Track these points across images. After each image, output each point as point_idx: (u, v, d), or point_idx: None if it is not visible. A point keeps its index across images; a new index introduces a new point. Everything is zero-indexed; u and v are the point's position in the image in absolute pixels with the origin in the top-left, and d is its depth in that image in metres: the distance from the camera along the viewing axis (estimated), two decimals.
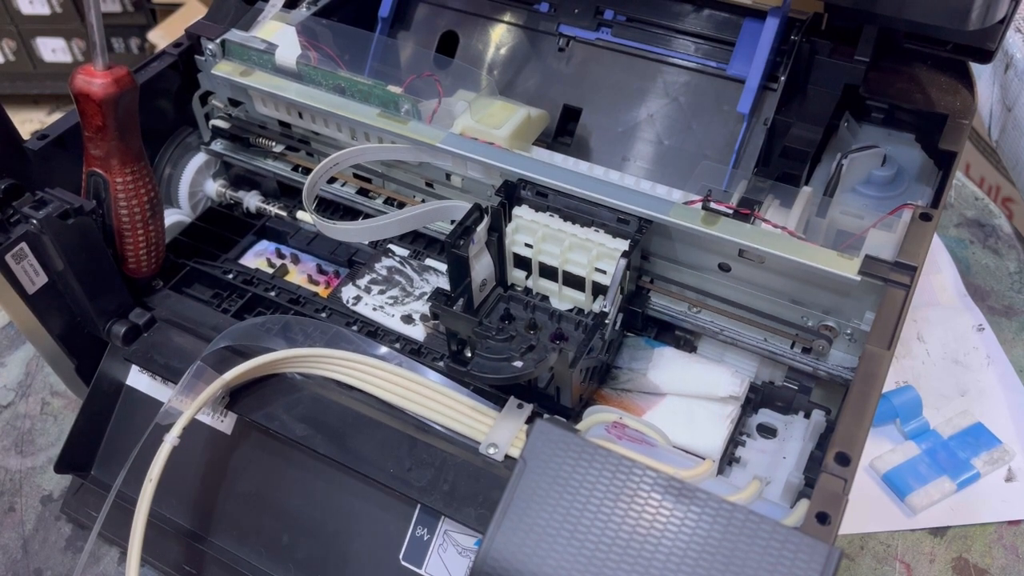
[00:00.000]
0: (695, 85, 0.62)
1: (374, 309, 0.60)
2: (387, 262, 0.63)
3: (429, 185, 0.62)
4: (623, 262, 0.50)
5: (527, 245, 0.54)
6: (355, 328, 0.57)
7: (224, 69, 0.62)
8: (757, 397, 0.56)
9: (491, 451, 0.47)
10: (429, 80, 0.59)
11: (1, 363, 0.71)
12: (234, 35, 0.63)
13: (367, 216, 0.65)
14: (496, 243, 0.53)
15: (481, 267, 0.53)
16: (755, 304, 0.54)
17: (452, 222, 0.54)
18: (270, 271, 0.65)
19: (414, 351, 0.56)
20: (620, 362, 0.57)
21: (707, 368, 0.55)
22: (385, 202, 0.65)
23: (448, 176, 0.60)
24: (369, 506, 0.50)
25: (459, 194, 0.60)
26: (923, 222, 0.50)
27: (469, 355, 0.50)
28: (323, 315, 0.59)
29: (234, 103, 0.67)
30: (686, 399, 0.54)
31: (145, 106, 0.62)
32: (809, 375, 0.54)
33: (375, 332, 0.57)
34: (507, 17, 0.67)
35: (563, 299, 0.55)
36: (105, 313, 0.55)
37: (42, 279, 0.52)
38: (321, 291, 0.63)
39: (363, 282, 0.62)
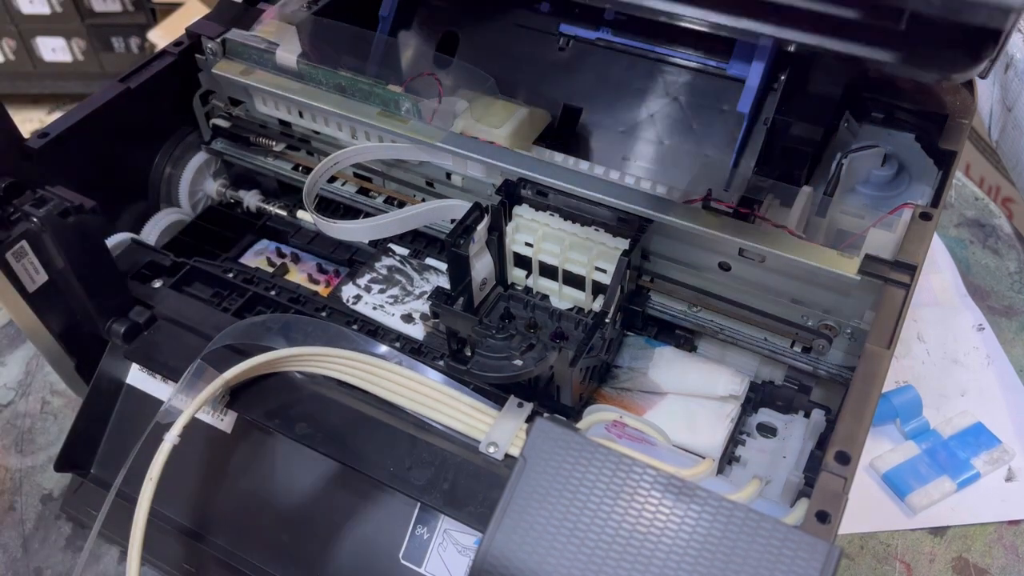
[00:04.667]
0: (695, 85, 0.62)
1: (374, 308, 0.60)
2: (387, 261, 0.63)
3: (429, 184, 0.62)
4: (623, 261, 0.50)
5: (527, 244, 0.54)
6: (355, 327, 0.57)
7: (225, 68, 0.63)
8: (757, 396, 0.56)
9: (491, 450, 0.47)
10: (429, 79, 0.59)
11: (1, 362, 0.72)
12: (235, 34, 0.63)
13: (367, 215, 0.65)
14: (496, 242, 0.53)
15: (481, 266, 0.53)
16: (755, 303, 0.54)
17: (452, 221, 0.54)
18: (270, 270, 0.65)
19: (414, 350, 0.56)
20: (620, 361, 0.57)
21: (707, 367, 0.55)
22: (385, 201, 0.65)
23: (448, 175, 0.60)
24: (369, 505, 0.50)
25: (459, 193, 0.61)
26: (923, 221, 0.50)
27: (469, 354, 0.51)
28: (323, 314, 0.59)
29: (234, 102, 0.67)
30: (686, 398, 0.54)
31: (145, 106, 0.63)
32: (809, 374, 0.54)
33: (375, 331, 0.57)
34: (507, 16, 0.67)
35: (563, 298, 0.55)
36: (105, 311, 0.55)
37: (42, 277, 0.52)
38: (321, 290, 0.63)
39: (363, 281, 0.62)
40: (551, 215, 0.53)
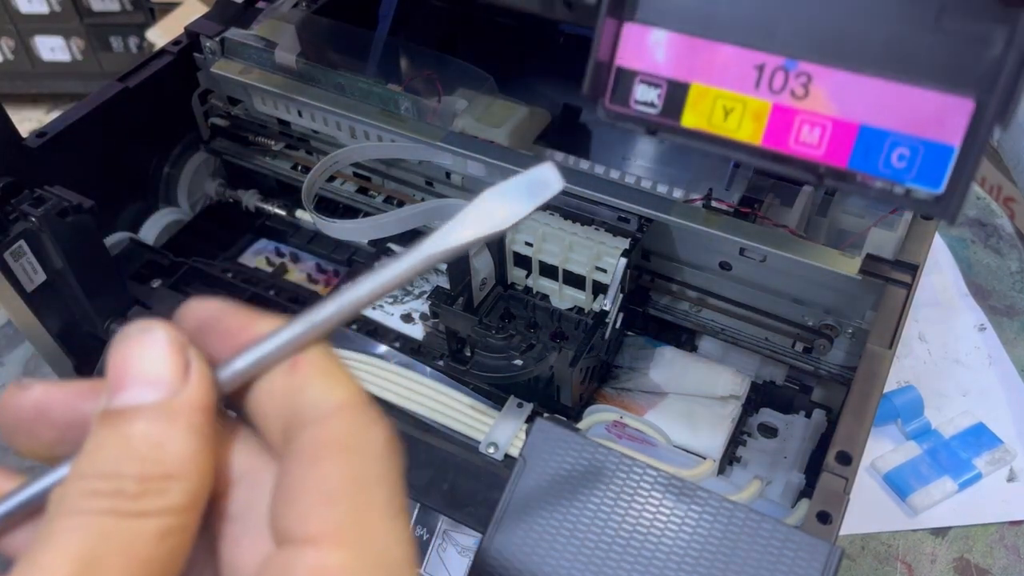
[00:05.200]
0: None
1: (373, 308, 0.59)
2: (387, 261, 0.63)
3: (429, 184, 0.62)
4: (624, 261, 0.50)
5: (527, 244, 0.54)
6: (354, 327, 0.57)
7: (223, 67, 0.62)
8: (758, 396, 0.56)
9: (491, 450, 0.47)
10: (429, 78, 0.59)
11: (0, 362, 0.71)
12: (234, 33, 0.63)
13: (367, 214, 0.64)
14: (496, 242, 0.53)
15: (481, 266, 0.53)
16: (756, 303, 0.54)
17: None
18: (269, 270, 0.65)
19: (413, 350, 0.56)
20: (621, 361, 0.57)
21: (708, 367, 0.55)
22: (385, 200, 0.65)
23: (448, 175, 0.60)
24: None
25: (459, 193, 0.60)
26: (924, 221, 0.50)
27: (469, 354, 0.50)
28: None
29: (233, 101, 0.66)
30: (687, 398, 0.54)
31: (144, 105, 0.62)
32: (810, 374, 0.54)
33: (374, 331, 0.57)
34: (507, 16, 0.67)
35: (563, 298, 0.55)
36: (104, 312, 0.55)
37: (41, 277, 0.52)
38: (321, 290, 0.63)
39: None
40: (551, 214, 0.53)
